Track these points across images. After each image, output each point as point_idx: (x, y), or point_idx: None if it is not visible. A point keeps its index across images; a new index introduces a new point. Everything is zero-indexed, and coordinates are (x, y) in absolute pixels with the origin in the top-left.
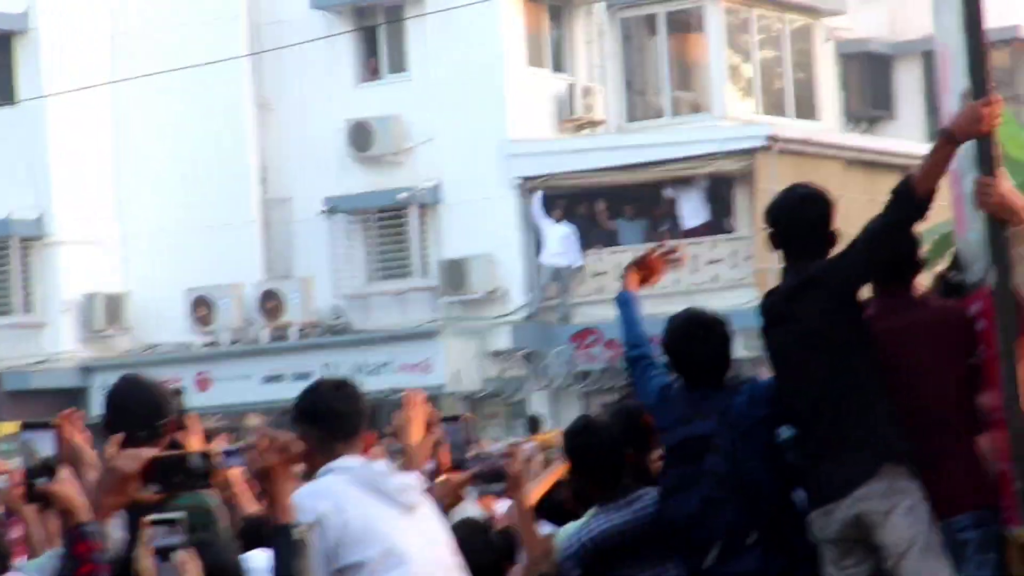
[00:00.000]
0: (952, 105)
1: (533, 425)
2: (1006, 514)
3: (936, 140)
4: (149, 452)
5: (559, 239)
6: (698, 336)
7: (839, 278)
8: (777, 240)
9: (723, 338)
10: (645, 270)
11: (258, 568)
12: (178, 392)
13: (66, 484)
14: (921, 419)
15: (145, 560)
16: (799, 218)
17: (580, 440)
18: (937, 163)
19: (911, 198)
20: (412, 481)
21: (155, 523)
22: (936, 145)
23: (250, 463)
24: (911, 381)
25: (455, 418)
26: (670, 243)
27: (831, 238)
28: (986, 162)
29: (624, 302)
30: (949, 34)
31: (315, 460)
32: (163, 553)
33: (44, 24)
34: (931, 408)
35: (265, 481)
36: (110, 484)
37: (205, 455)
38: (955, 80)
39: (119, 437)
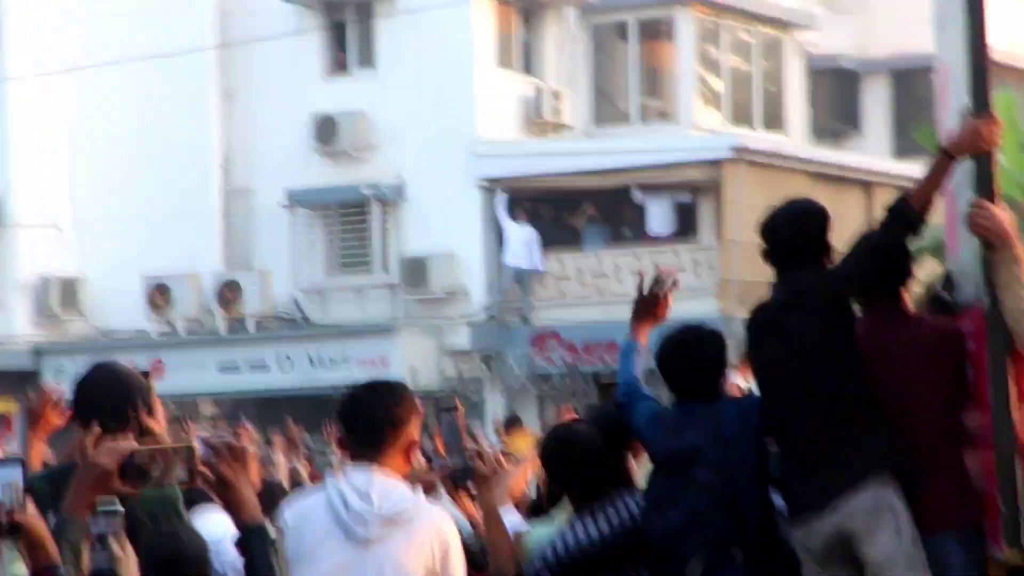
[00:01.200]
0: (951, 123)
1: (512, 423)
2: (991, 536)
3: (934, 157)
4: (128, 446)
5: (522, 241)
6: (690, 349)
7: (832, 289)
8: (772, 255)
9: (716, 349)
10: (651, 314)
11: (222, 541)
12: (147, 375)
13: (36, 520)
14: (910, 434)
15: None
16: (799, 232)
17: (561, 451)
18: (934, 180)
19: (907, 214)
20: (381, 512)
21: (97, 513)
22: (934, 162)
23: (205, 472)
24: (901, 396)
25: (452, 408)
26: (653, 273)
27: (828, 252)
28: (984, 183)
29: (626, 352)
30: (950, 51)
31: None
32: (101, 540)
33: (10, 6)
34: (920, 424)
35: (222, 489)
36: (89, 479)
37: (189, 450)
38: (955, 98)
39: (98, 431)
